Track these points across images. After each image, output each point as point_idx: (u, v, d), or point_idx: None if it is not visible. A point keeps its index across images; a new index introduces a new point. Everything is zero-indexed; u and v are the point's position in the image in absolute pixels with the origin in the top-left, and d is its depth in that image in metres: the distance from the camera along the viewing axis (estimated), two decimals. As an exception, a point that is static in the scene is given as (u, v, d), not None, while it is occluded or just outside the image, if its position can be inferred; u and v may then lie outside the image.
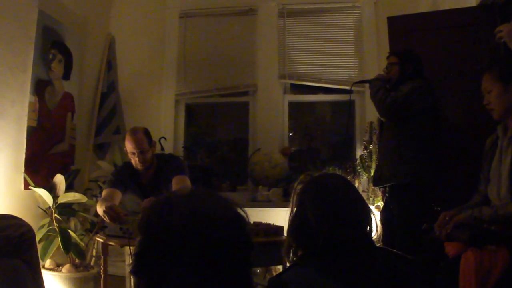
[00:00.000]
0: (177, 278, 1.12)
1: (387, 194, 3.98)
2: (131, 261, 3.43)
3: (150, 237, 1.18)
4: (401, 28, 4.58)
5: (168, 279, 1.13)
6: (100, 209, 3.48)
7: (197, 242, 1.13)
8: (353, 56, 5.63)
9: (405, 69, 3.90)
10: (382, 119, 4.00)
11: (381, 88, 3.86)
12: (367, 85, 4.31)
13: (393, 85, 3.89)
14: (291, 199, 1.95)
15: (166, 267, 1.14)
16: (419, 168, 3.70)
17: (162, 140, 5.43)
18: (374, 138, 5.02)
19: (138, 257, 1.19)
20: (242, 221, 1.23)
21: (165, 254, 1.14)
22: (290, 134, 6.06)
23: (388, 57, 4.06)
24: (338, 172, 4.70)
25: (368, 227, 1.87)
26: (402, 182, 3.70)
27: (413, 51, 4.03)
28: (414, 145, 3.75)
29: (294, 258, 1.89)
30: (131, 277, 3.73)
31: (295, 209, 1.91)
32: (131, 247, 3.27)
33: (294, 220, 1.90)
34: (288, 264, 1.93)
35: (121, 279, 4.46)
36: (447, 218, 3.01)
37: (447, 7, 4.55)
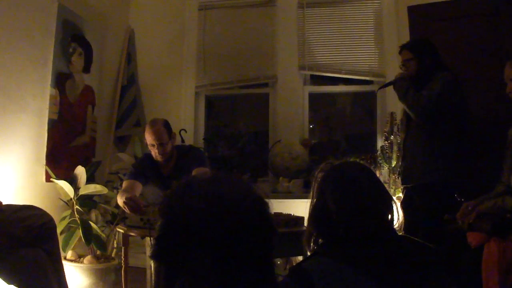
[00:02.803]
0: (198, 261, 1.11)
1: (408, 186, 3.86)
2: (150, 251, 3.45)
3: (171, 221, 1.17)
4: (421, 17, 4.55)
5: (189, 262, 1.12)
6: (120, 200, 3.49)
7: (218, 226, 1.12)
8: (373, 46, 5.56)
9: (423, 62, 3.71)
10: (416, 119, 3.73)
11: (409, 89, 3.65)
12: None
13: (417, 83, 3.69)
14: (311, 188, 1.94)
15: (187, 250, 1.12)
16: (452, 166, 3.57)
17: (182, 132, 5.44)
18: (395, 129, 4.96)
19: (158, 241, 1.19)
20: (264, 205, 1.22)
21: (186, 238, 1.13)
22: (311, 126, 6.03)
23: (400, 52, 3.86)
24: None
25: (389, 216, 1.85)
26: (436, 180, 3.56)
27: (426, 39, 3.88)
28: (446, 142, 3.60)
29: (315, 247, 1.88)
30: (152, 268, 3.75)
31: (315, 197, 1.89)
32: (151, 238, 3.28)
33: (314, 209, 1.88)
34: (308, 253, 1.92)
35: (142, 271, 4.49)
36: (469, 208, 2.99)
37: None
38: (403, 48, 3.84)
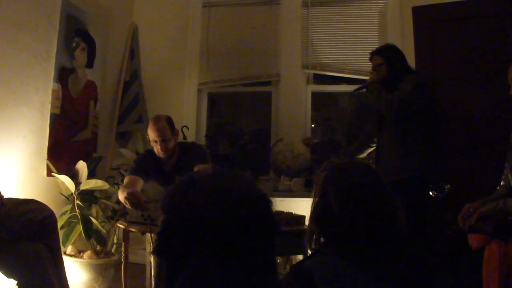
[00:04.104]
0: (200, 257, 1.11)
1: None
2: (152, 247, 3.45)
3: (174, 216, 1.17)
4: (426, 18, 4.54)
5: (191, 258, 1.12)
6: (121, 196, 3.49)
7: (220, 221, 1.12)
8: (377, 46, 5.44)
9: (393, 66, 3.91)
10: (391, 119, 3.91)
11: (382, 90, 3.85)
12: None
13: (387, 86, 3.88)
14: (314, 186, 1.93)
15: (189, 246, 1.12)
16: (426, 161, 3.74)
17: (184, 129, 5.44)
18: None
19: (161, 236, 1.19)
20: (268, 202, 1.22)
21: (188, 233, 1.13)
22: (312, 126, 6.02)
23: (370, 58, 4.06)
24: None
25: (392, 215, 1.84)
26: (410, 176, 3.70)
27: (394, 45, 4.08)
28: (419, 139, 3.77)
29: (317, 246, 1.87)
30: (152, 264, 3.75)
31: (318, 196, 1.89)
32: (152, 234, 3.28)
33: (317, 208, 1.88)
34: (310, 252, 1.92)
35: (142, 267, 4.48)
36: (471, 209, 2.98)
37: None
38: (373, 54, 4.05)
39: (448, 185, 3.66)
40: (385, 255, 1.70)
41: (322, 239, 1.87)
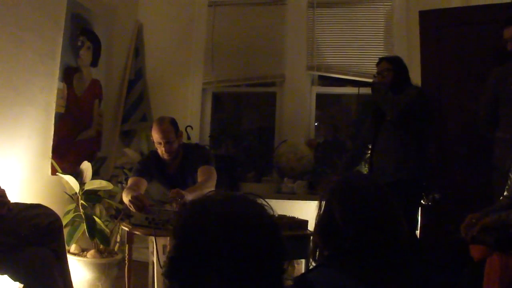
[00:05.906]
0: (210, 283, 1.13)
1: None
2: (154, 248, 3.47)
3: (185, 242, 1.19)
4: (432, 23, 4.54)
5: (201, 283, 1.13)
6: (126, 198, 3.50)
7: (231, 248, 1.14)
8: (382, 49, 5.52)
9: (399, 75, 4.10)
10: (391, 118, 4.05)
11: (388, 91, 4.04)
12: None
13: (393, 91, 4.06)
14: (319, 198, 1.94)
15: (200, 271, 1.14)
16: (422, 165, 3.98)
17: (188, 129, 5.44)
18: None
19: (172, 261, 1.20)
20: (277, 228, 1.24)
21: (199, 259, 1.15)
22: (316, 124, 6.02)
23: (378, 63, 4.23)
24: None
25: (395, 230, 1.84)
26: (406, 178, 3.90)
27: (401, 57, 4.26)
28: (416, 144, 3.98)
29: (320, 259, 1.88)
30: (154, 263, 3.76)
31: (323, 209, 1.89)
32: (156, 237, 3.30)
33: (321, 220, 1.88)
34: (314, 264, 1.92)
35: (144, 265, 4.49)
36: (473, 220, 2.98)
37: (480, 3, 4.49)
38: (382, 60, 4.24)
39: (439, 195, 3.78)
40: (388, 270, 1.70)
41: (326, 252, 1.88)
